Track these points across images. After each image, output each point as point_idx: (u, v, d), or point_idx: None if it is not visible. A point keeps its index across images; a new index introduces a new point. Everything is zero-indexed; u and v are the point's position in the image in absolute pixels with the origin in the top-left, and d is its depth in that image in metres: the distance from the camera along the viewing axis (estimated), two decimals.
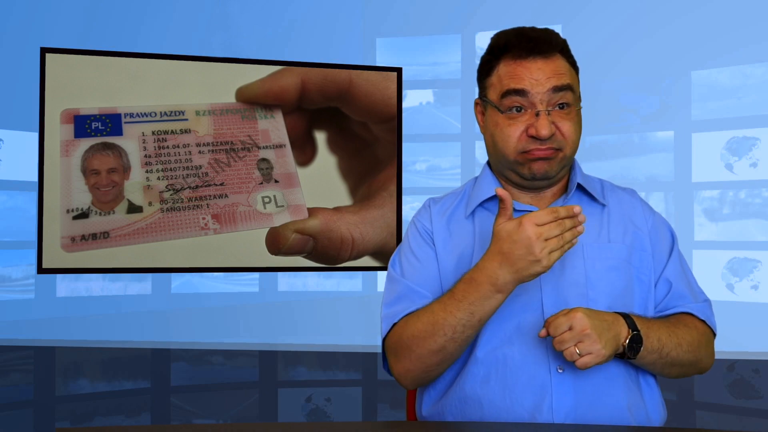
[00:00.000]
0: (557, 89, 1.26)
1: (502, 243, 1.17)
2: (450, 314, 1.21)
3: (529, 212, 1.24)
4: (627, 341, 1.19)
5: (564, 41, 1.33)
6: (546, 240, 1.15)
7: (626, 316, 1.21)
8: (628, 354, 1.19)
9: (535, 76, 1.27)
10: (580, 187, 1.36)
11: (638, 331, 1.20)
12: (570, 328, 1.15)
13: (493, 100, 1.31)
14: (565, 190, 1.37)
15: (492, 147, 1.34)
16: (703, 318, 1.33)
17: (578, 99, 1.32)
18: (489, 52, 1.34)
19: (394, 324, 1.30)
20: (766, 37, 3.25)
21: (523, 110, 1.27)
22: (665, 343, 1.24)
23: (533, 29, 1.32)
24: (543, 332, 1.18)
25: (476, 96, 1.40)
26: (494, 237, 1.19)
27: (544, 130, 1.25)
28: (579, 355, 1.15)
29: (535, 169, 1.29)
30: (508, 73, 1.29)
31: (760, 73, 3.32)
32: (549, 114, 1.26)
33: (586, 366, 1.15)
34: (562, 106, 1.28)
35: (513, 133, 1.28)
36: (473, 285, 1.20)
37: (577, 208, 1.16)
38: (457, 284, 1.24)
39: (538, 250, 1.15)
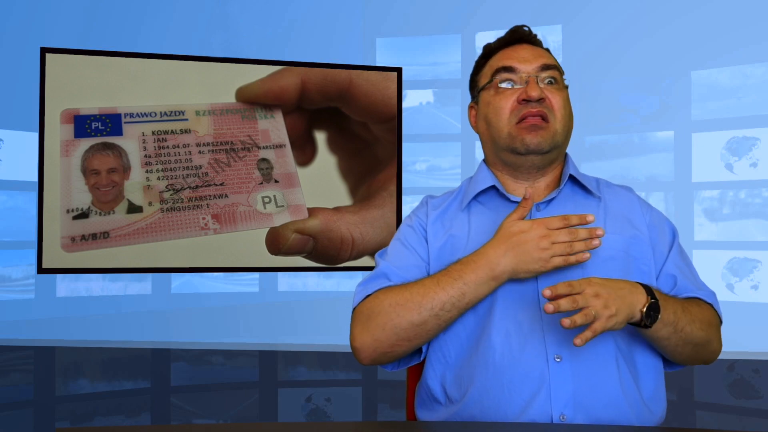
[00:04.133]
0: (545, 67, 1.36)
1: (512, 235, 1.22)
2: (442, 290, 1.24)
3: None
4: (645, 308, 1.18)
5: (548, 49, 1.45)
6: (553, 243, 1.20)
7: (643, 284, 1.21)
8: (645, 322, 1.19)
9: (523, 55, 1.37)
10: (575, 180, 1.39)
11: (656, 299, 1.20)
12: (580, 293, 1.14)
13: (485, 82, 1.39)
14: (559, 183, 1.39)
15: (486, 132, 1.40)
16: (710, 302, 1.33)
17: (565, 87, 1.39)
18: (482, 55, 1.45)
19: (368, 295, 1.31)
20: (766, 37, 3.24)
21: (513, 85, 1.36)
22: (680, 318, 1.24)
23: (521, 26, 1.44)
24: (549, 307, 1.13)
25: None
26: (503, 230, 1.24)
27: (535, 92, 1.32)
28: (575, 322, 1.12)
29: (528, 140, 1.33)
30: (497, 58, 1.39)
31: (760, 73, 3.31)
32: (538, 83, 1.34)
33: (594, 333, 1.12)
34: (550, 81, 1.36)
35: (505, 104, 1.35)
36: (471, 266, 1.24)
37: (590, 217, 1.20)
38: (454, 264, 1.27)
39: (543, 247, 1.20)
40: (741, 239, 3.36)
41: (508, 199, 1.37)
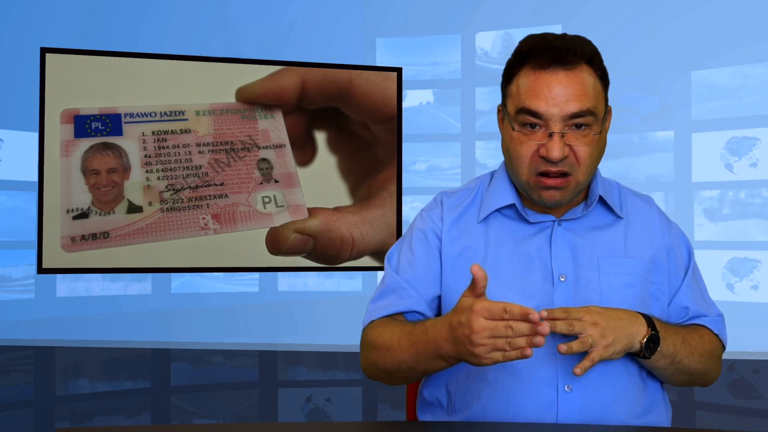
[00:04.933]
0: (575, 115, 1.21)
1: (455, 317, 1.09)
2: (402, 351, 1.21)
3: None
4: (645, 340, 1.17)
5: (593, 51, 1.25)
6: (491, 337, 1.05)
7: (644, 315, 1.20)
8: (645, 353, 1.18)
9: (554, 93, 1.20)
10: (599, 199, 1.33)
11: (657, 331, 1.19)
12: (579, 319, 1.14)
13: (509, 113, 1.27)
14: (584, 198, 1.34)
15: (507, 160, 1.31)
16: (716, 333, 1.33)
17: (601, 121, 1.26)
18: (513, 56, 1.29)
19: (373, 320, 1.32)
20: (766, 37, 3.24)
21: (537, 127, 1.23)
22: (679, 350, 1.23)
23: (560, 36, 1.26)
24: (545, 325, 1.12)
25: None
26: (456, 306, 1.11)
27: (555, 153, 1.20)
28: (572, 348, 1.12)
29: (546, 197, 1.26)
30: (526, 86, 1.23)
31: (760, 73, 3.31)
32: (563, 136, 1.21)
33: (592, 362, 1.13)
34: (580, 126, 1.22)
35: (526, 152, 1.24)
36: (426, 336, 1.16)
37: (534, 315, 1.03)
38: (423, 324, 1.19)
39: (476, 343, 1.05)
40: (741, 239, 3.36)
41: (526, 220, 1.31)
